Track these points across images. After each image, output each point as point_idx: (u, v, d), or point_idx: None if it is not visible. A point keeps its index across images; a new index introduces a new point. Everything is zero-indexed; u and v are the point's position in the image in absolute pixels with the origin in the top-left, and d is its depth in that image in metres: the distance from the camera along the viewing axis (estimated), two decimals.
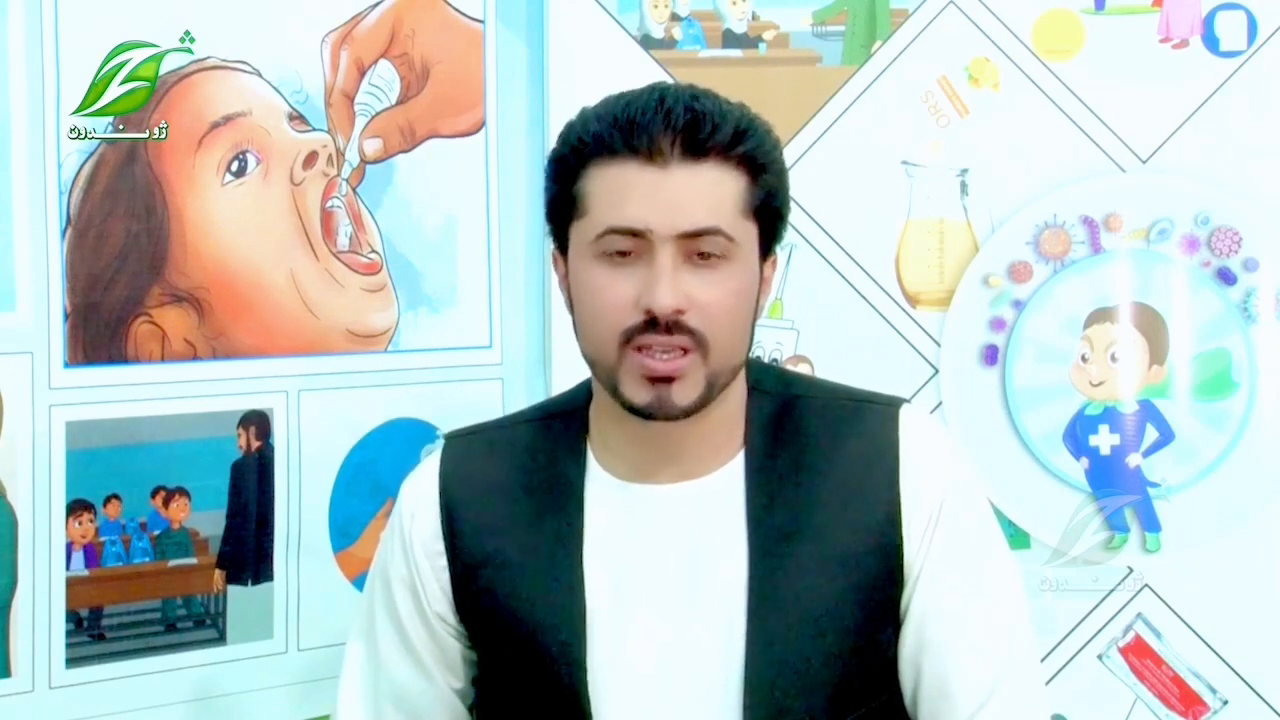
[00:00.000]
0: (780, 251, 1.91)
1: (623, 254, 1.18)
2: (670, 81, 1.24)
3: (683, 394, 1.19)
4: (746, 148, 1.19)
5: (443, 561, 1.30)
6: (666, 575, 1.24)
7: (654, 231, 1.17)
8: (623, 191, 1.18)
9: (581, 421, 1.31)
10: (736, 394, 1.28)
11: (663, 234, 1.17)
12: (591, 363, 1.25)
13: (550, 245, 1.29)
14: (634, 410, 1.21)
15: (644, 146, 1.17)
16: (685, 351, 1.18)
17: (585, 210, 1.21)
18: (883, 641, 1.26)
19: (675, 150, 1.17)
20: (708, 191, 1.18)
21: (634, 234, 1.18)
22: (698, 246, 1.18)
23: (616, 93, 1.23)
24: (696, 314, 1.17)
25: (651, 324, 1.17)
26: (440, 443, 1.37)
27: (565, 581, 1.25)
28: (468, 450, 1.34)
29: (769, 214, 1.23)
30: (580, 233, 1.22)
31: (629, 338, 1.18)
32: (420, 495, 1.33)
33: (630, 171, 1.18)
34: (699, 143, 1.17)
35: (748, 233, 1.21)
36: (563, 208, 1.23)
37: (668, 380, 1.18)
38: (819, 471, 1.25)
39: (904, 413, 1.28)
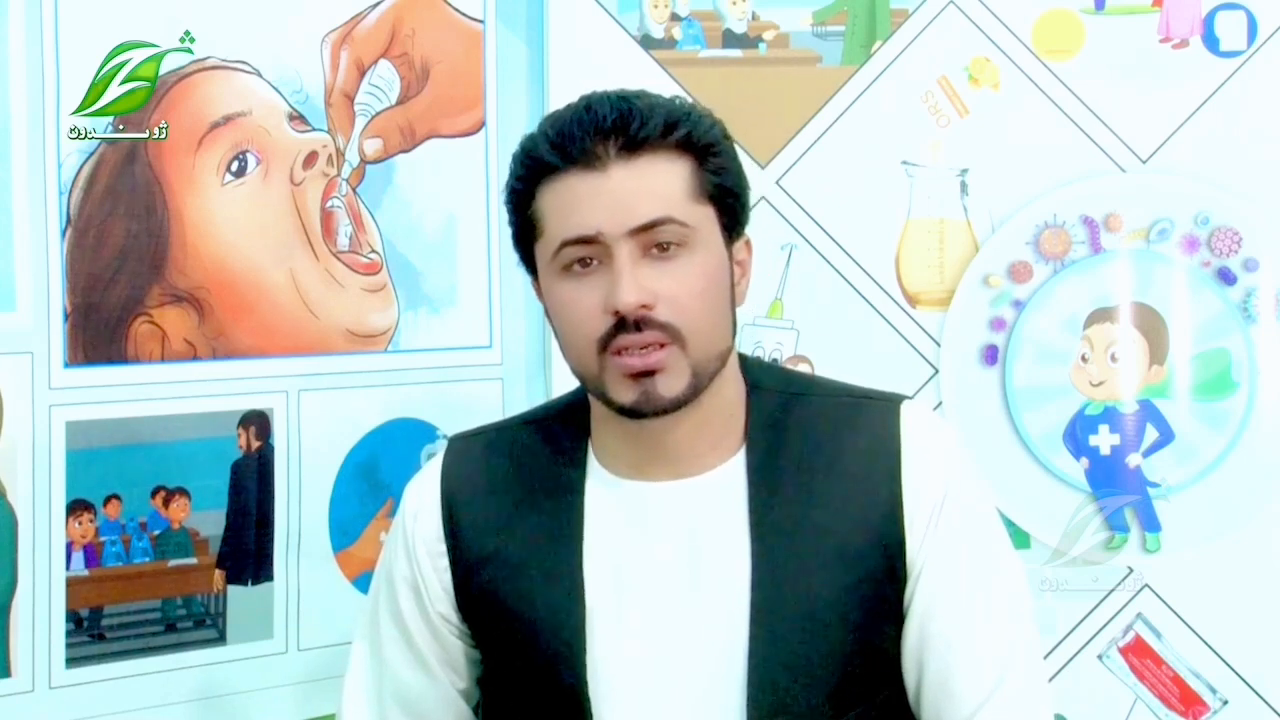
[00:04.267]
0: (780, 251, 1.92)
1: (584, 264, 1.20)
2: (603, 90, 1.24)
3: (668, 385, 1.19)
4: (681, 133, 1.20)
5: (445, 561, 1.31)
6: (668, 572, 1.24)
7: (605, 234, 1.18)
8: (570, 203, 1.19)
9: (582, 422, 1.31)
10: (733, 390, 1.28)
11: (614, 234, 1.18)
12: (578, 375, 1.25)
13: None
14: (623, 410, 1.21)
15: (579, 154, 1.18)
16: (662, 345, 1.18)
17: (541, 230, 1.22)
18: (885, 637, 1.26)
19: (610, 151, 1.18)
20: (650, 184, 1.19)
21: (587, 241, 1.19)
22: (653, 239, 1.19)
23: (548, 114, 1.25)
24: (665, 307, 1.18)
25: (622, 325, 1.18)
26: (442, 444, 1.37)
27: (565, 580, 1.25)
28: (469, 451, 1.34)
29: (723, 194, 1.23)
30: (542, 253, 1.23)
31: (605, 344, 1.19)
32: (423, 496, 1.33)
33: (573, 182, 1.19)
34: (631, 138, 1.18)
35: (704, 217, 1.22)
36: (524, 233, 1.25)
37: (650, 374, 1.19)
38: (821, 468, 1.25)
39: (905, 409, 1.28)
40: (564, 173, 1.20)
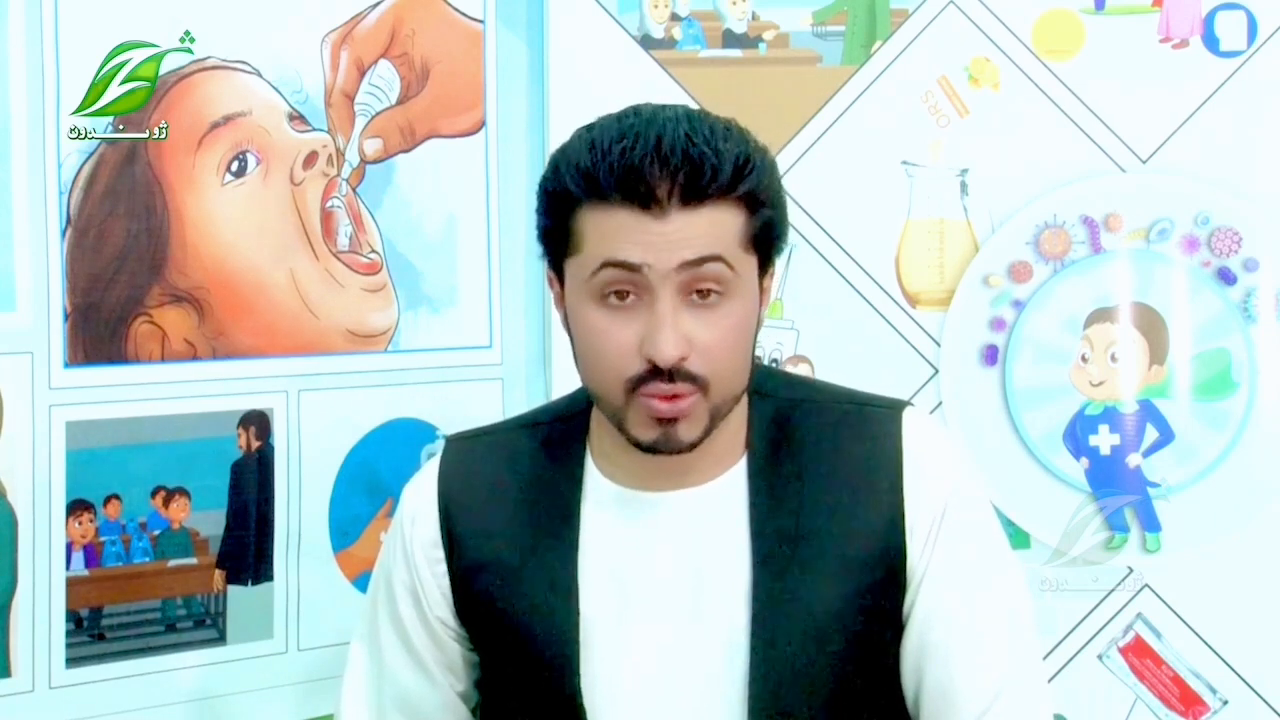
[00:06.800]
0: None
1: (620, 295, 1.16)
2: (660, 105, 1.18)
3: (688, 431, 1.18)
4: (746, 187, 1.16)
5: (442, 567, 1.30)
6: (667, 581, 1.24)
7: (653, 268, 1.14)
8: (618, 234, 1.15)
9: (582, 427, 1.30)
10: (738, 407, 1.26)
11: (661, 270, 1.14)
12: (598, 401, 1.23)
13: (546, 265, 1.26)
14: (640, 447, 1.20)
15: (639, 194, 1.13)
16: (688, 394, 1.17)
17: (579, 248, 1.18)
18: (885, 646, 1.25)
19: (673, 199, 1.13)
20: (706, 231, 1.15)
21: (631, 269, 1.15)
22: (698, 279, 1.15)
23: (610, 118, 1.19)
24: (698, 358, 1.16)
25: (655, 371, 1.15)
26: (442, 444, 1.37)
27: (561, 588, 1.25)
28: (467, 454, 1.34)
29: (768, 240, 1.21)
30: (576, 269, 1.19)
31: (634, 385, 1.17)
32: (420, 499, 1.32)
33: (627, 218, 1.14)
34: (699, 189, 1.14)
35: (748, 264, 1.19)
36: (556, 241, 1.21)
37: (674, 420, 1.18)
38: (822, 476, 1.25)
39: (907, 416, 1.28)
40: (616, 203, 1.14)
